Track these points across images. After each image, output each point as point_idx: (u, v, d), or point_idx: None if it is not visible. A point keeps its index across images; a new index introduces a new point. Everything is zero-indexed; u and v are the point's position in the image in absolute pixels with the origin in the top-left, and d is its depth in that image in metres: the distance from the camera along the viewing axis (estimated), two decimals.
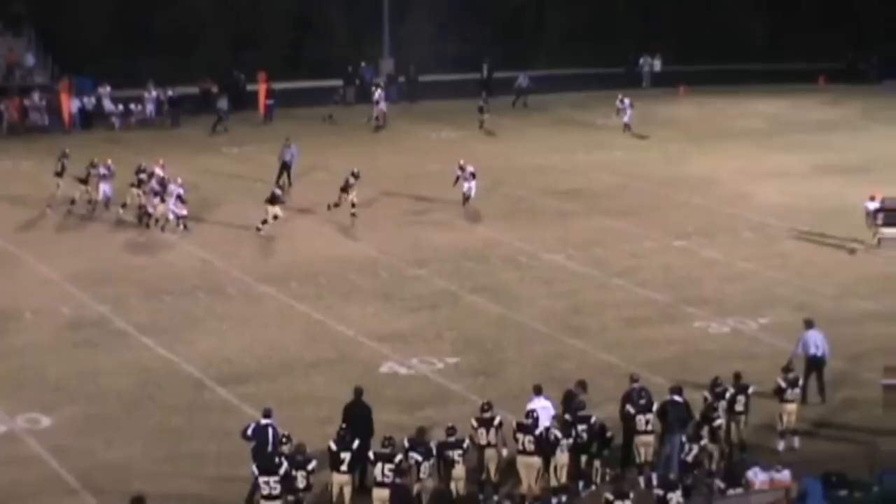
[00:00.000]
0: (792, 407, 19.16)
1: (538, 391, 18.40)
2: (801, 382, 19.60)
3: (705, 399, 18.56)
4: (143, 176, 32.10)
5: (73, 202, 32.53)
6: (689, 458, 17.58)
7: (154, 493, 16.02)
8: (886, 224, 30.07)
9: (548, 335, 24.13)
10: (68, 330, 24.35)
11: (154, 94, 46.54)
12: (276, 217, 30.46)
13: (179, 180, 31.23)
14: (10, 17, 48.15)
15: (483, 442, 17.43)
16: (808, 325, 21.14)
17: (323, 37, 54.59)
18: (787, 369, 19.41)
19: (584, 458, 17.87)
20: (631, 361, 22.02)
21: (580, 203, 34.47)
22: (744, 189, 36.19)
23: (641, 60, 57.07)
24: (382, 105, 46.10)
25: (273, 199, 30.52)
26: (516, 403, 19.16)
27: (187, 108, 47.17)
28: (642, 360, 22.20)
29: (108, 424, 19.98)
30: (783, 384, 19.17)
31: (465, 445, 17.11)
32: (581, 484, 17.84)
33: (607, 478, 17.73)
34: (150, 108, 46.47)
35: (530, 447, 17.21)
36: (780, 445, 19.03)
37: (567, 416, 17.93)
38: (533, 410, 17.70)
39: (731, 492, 16.48)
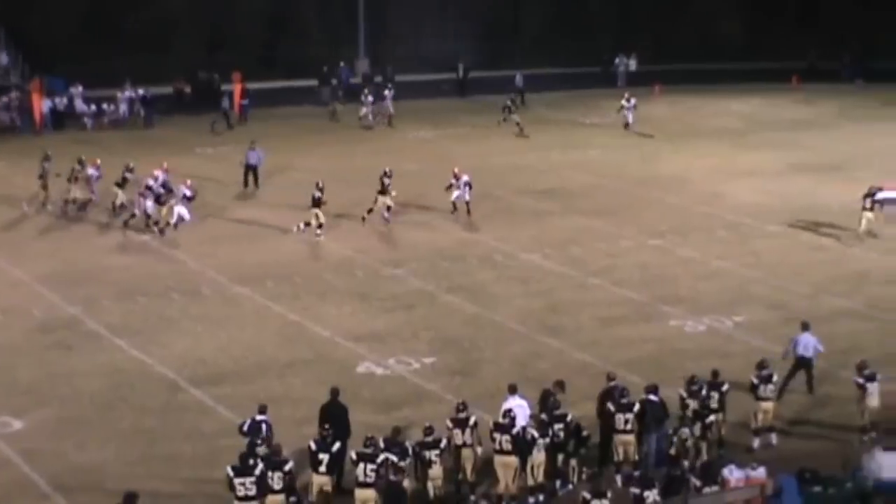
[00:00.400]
0: (767, 405, 19.21)
1: (513, 390, 18.37)
2: (775, 379, 19.60)
3: (681, 397, 18.58)
4: (128, 175, 31.91)
5: (66, 202, 32.29)
6: (672, 451, 17.71)
7: None
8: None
9: (524, 334, 24.11)
10: (39, 332, 24.14)
11: (127, 94, 46.30)
12: (319, 220, 30.14)
13: (189, 181, 30.99)
14: None
15: (459, 442, 17.39)
16: (804, 327, 21.29)
17: (298, 37, 54.53)
18: (760, 366, 19.44)
19: (560, 457, 17.85)
20: (607, 360, 22.03)
21: (556, 202, 34.49)
22: (718, 188, 36.30)
23: (617, 60, 57.23)
24: (389, 104, 46.08)
25: (316, 203, 30.22)
26: (493, 403, 19.12)
27: (161, 108, 46.94)
28: (618, 359, 22.22)
29: (81, 427, 19.82)
30: (756, 381, 19.22)
31: (441, 445, 17.07)
32: (558, 483, 17.82)
33: (584, 477, 17.73)
34: (123, 108, 46.22)
35: (507, 446, 17.18)
36: (756, 443, 19.06)
37: (543, 416, 17.91)
38: (510, 410, 17.67)
39: (706, 489, 16.49)
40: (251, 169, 35.21)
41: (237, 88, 47.03)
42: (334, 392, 18.27)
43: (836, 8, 58.26)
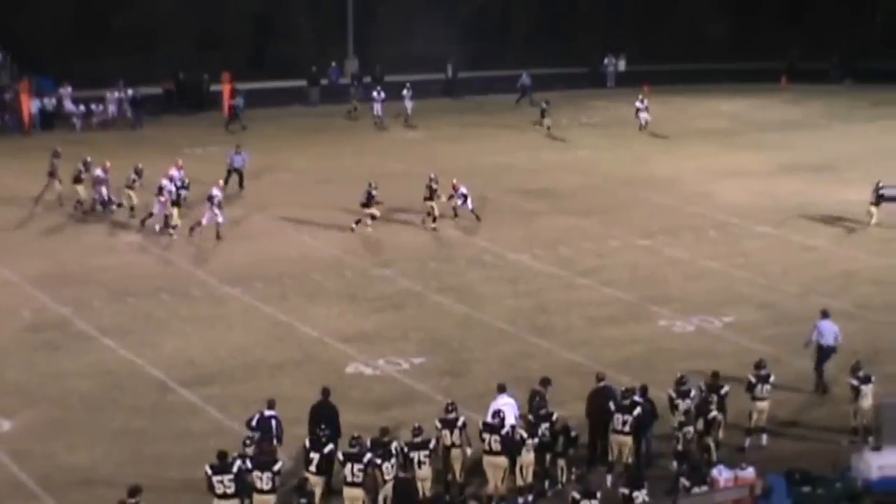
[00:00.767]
0: (763, 405, 19.20)
1: (502, 389, 18.40)
2: (772, 379, 19.45)
3: (670, 398, 18.60)
4: (135, 176, 31.86)
5: (78, 203, 32.24)
6: (679, 447, 17.87)
7: (116, 497, 15.85)
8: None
9: (513, 335, 24.13)
10: (29, 332, 24.08)
11: (116, 94, 46.21)
12: (373, 217, 30.43)
13: (221, 182, 30.75)
14: None
15: (447, 442, 17.41)
16: (824, 315, 21.48)
17: (286, 37, 54.45)
18: (758, 366, 19.45)
19: (548, 458, 17.86)
20: (596, 360, 22.07)
21: (545, 203, 34.52)
22: (707, 188, 36.38)
23: (606, 60, 57.32)
24: (408, 104, 46.06)
25: (367, 202, 30.37)
26: (482, 403, 19.13)
27: (149, 108, 46.86)
28: (607, 359, 22.26)
29: (70, 427, 19.78)
30: (753, 380, 19.23)
31: (431, 446, 17.07)
32: (547, 483, 17.84)
33: (573, 477, 17.75)
34: (111, 108, 46.12)
35: (497, 447, 17.19)
36: (747, 443, 19.10)
37: (530, 417, 17.93)
38: (499, 410, 17.68)
39: (695, 489, 16.52)
40: (235, 171, 35.16)
41: (226, 89, 46.96)
42: (325, 392, 18.29)
43: (824, 8, 58.42)
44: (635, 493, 15.96)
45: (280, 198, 33.32)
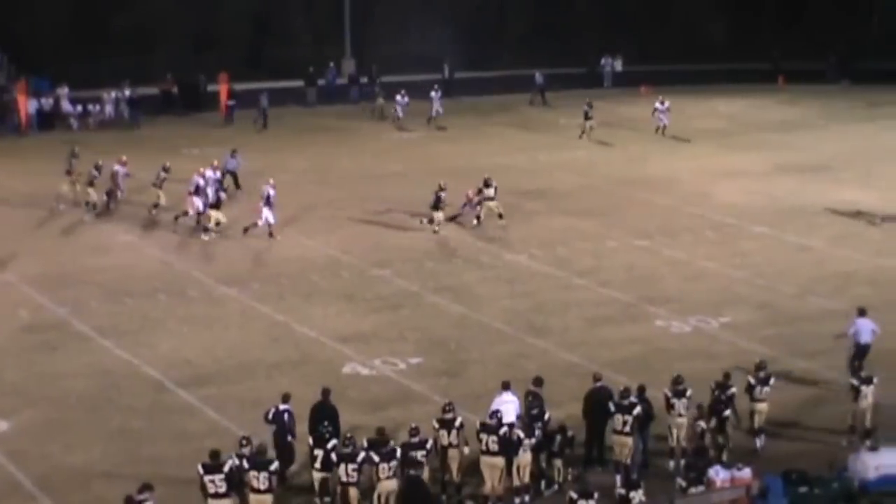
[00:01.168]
0: (762, 406, 19.20)
1: (506, 386, 18.43)
2: (772, 381, 19.43)
3: (666, 397, 18.61)
4: (164, 175, 31.90)
5: (87, 204, 32.31)
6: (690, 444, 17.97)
7: (114, 497, 15.87)
8: None
9: (510, 335, 24.14)
10: (26, 333, 24.06)
11: (114, 94, 46.20)
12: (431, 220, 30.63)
13: (272, 181, 30.75)
14: None
15: (445, 443, 17.41)
16: (861, 313, 21.59)
17: (283, 37, 54.44)
18: (758, 367, 19.44)
19: (543, 457, 17.87)
20: (593, 361, 22.08)
21: (543, 203, 34.52)
22: (704, 188, 36.40)
23: (603, 61, 57.34)
24: (437, 104, 45.93)
25: (436, 205, 30.52)
26: (479, 403, 19.15)
27: (146, 108, 46.84)
28: (605, 360, 22.27)
29: (68, 428, 19.77)
30: (753, 382, 19.22)
31: (428, 446, 17.07)
32: (543, 483, 17.84)
33: (570, 477, 17.76)
34: (108, 108, 46.10)
35: (494, 447, 17.19)
36: (758, 443, 19.10)
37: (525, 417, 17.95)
38: (497, 411, 17.69)
39: (692, 490, 16.53)
40: (230, 174, 35.16)
41: (223, 89, 46.97)
42: (325, 392, 18.31)
43: (821, 8, 58.46)
44: (632, 494, 15.97)
45: (277, 198, 33.25)
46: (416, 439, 17.02)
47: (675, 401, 18.52)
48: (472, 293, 26.62)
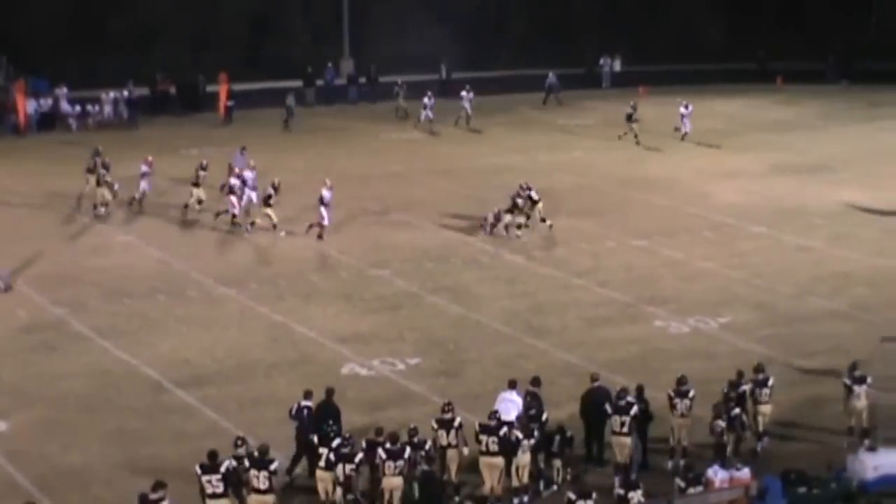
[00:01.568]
0: (766, 408, 19.15)
1: (512, 385, 18.46)
2: (771, 383, 19.36)
3: (669, 397, 18.61)
4: (202, 174, 31.91)
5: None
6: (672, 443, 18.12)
7: (112, 497, 15.88)
8: None
9: (509, 335, 24.14)
10: (25, 333, 24.05)
11: (112, 95, 46.20)
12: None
13: (329, 182, 30.70)
14: None
15: (443, 443, 17.42)
16: None
17: (282, 37, 54.42)
18: (757, 370, 19.41)
19: (541, 458, 17.87)
20: (591, 361, 22.08)
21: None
22: (703, 189, 36.41)
23: (602, 61, 57.34)
24: (467, 105, 45.73)
25: (511, 208, 30.56)
26: (478, 404, 19.16)
27: (145, 108, 46.83)
28: (603, 360, 22.28)
29: (66, 428, 19.76)
30: (752, 385, 19.18)
31: (426, 447, 17.06)
32: (542, 484, 17.85)
33: (568, 478, 17.76)
34: (107, 109, 46.08)
35: (493, 448, 17.19)
36: (759, 445, 19.09)
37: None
38: (495, 411, 17.69)
39: (691, 490, 16.53)
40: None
41: (223, 89, 46.95)
42: (329, 392, 18.27)
43: (820, 9, 58.49)
44: (631, 494, 15.97)
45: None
46: (414, 440, 17.02)
47: (677, 401, 18.52)
48: (470, 293, 26.62)
